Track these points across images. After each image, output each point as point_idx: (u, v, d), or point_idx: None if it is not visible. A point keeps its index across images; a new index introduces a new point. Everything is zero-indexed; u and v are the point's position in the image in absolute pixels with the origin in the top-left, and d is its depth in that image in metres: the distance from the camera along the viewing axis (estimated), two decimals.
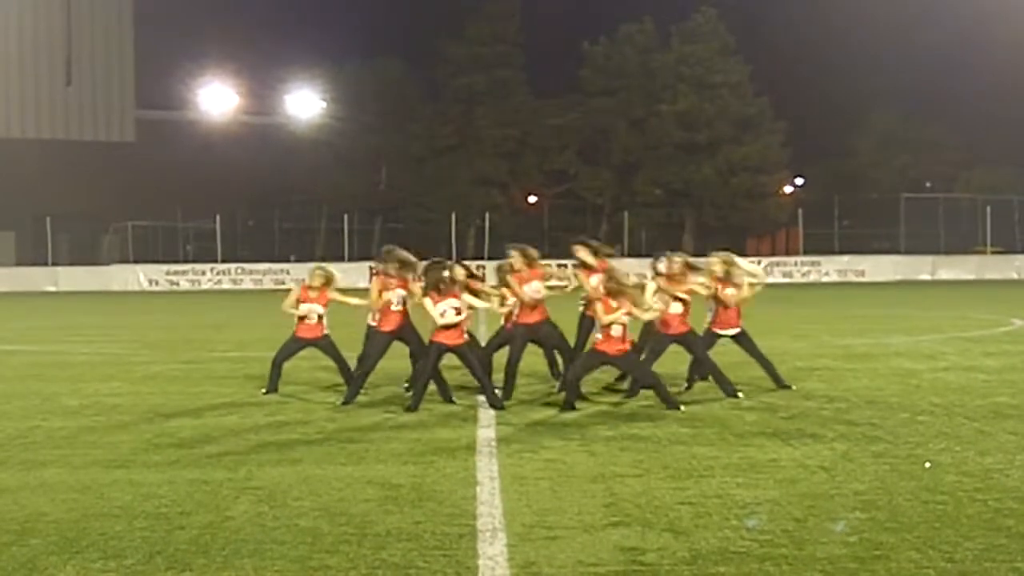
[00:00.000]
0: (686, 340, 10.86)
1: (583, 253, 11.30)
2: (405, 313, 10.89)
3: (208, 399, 11.11)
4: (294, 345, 11.48)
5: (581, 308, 11.53)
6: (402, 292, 10.78)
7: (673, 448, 8.17)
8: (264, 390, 11.42)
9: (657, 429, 8.97)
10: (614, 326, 9.89)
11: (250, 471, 7.50)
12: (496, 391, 10.34)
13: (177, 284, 44.19)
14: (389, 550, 5.58)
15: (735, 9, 57.20)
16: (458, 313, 10.16)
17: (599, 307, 9.99)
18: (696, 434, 8.74)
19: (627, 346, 10.14)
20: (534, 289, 10.81)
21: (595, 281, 10.72)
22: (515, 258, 10.95)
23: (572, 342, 11.48)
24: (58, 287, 43.56)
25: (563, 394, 10.34)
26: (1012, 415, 9.54)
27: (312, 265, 12.05)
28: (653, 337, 10.97)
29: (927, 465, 7.47)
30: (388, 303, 10.76)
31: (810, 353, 15.06)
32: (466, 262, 11.88)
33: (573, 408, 10.00)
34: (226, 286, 44.00)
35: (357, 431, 9.07)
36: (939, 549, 5.51)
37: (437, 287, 10.18)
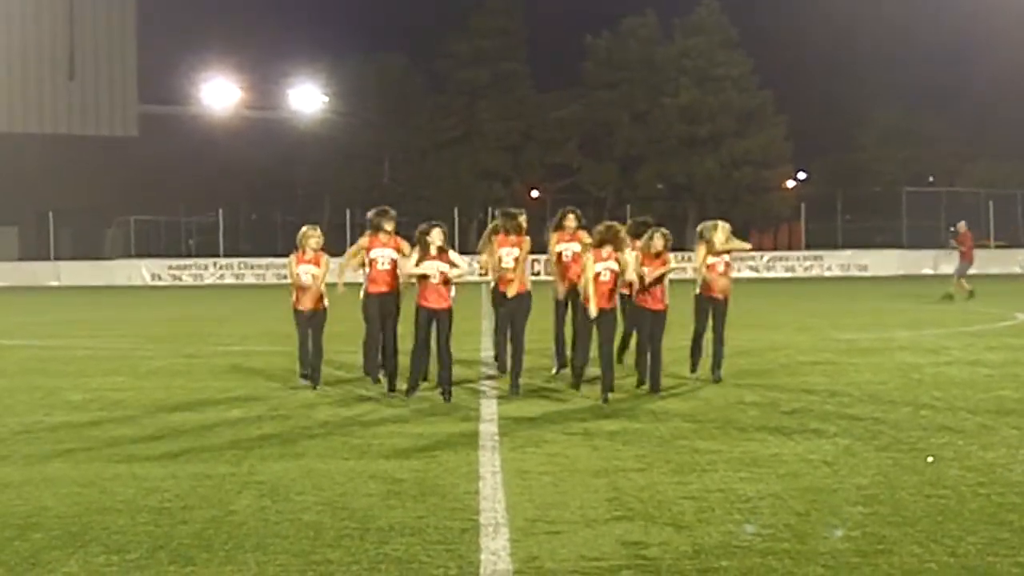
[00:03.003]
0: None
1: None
2: (395, 275, 10.84)
3: (211, 393, 11.11)
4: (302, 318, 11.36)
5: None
6: (392, 252, 10.82)
7: (676, 443, 8.17)
8: (300, 377, 11.45)
9: (660, 424, 8.97)
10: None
11: (253, 465, 7.51)
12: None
13: (180, 279, 44.19)
14: (392, 544, 5.58)
15: (737, 2, 57.17)
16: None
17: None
18: (699, 429, 8.74)
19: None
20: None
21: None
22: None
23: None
24: (61, 282, 43.56)
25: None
26: (1015, 409, 9.53)
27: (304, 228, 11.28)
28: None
29: (930, 460, 7.46)
30: (374, 261, 10.80)
31: (812, 347, 15.07)
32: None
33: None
34: (229, 281, 44.00)
35: (360, 425, 9.07)
36: (942, 544, 5.51)
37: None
